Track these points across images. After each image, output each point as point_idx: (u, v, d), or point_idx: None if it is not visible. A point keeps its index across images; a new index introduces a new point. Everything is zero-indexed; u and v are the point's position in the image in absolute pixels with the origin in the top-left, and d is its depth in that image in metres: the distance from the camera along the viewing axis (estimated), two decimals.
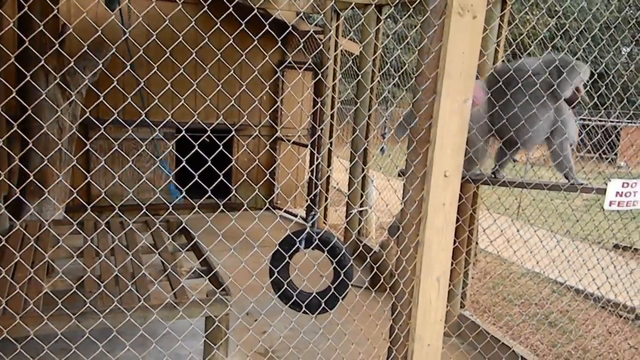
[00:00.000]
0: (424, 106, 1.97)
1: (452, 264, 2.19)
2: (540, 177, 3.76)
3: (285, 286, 3.45)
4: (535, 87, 2.96)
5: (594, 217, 4.07)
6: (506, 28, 4.01)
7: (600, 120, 13.97)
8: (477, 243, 4.91)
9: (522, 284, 5.64)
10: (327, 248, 3.39)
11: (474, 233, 4.35)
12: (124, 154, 6.97)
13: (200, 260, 3.64)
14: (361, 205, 6.35)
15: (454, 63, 1.88)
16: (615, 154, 16.66)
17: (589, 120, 14.00)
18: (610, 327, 4.85)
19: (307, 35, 5.93)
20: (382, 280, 4.38)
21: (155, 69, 2.04)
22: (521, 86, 2.96)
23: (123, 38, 5.43)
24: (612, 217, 4.49)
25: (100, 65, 4.76)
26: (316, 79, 6.61)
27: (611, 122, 13.02)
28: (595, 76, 3.20)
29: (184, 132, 1.97)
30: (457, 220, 2.19)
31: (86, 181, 6.32)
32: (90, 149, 6.58)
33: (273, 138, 7.76)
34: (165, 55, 2.12)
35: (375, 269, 4.08)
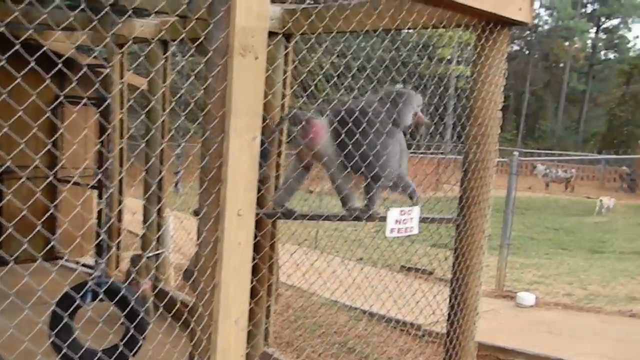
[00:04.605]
0: (213, 145, 1.91)
1: (251, 303, 2.13)
2: (334, 206, 3.93)
3: (65, 348, 3.03)
4: (377, 123, 3.13)
5: (379, 243, 4.39)
6: (290, 67, 4.17)
7: None
8: (278, 278, 4.95)
9: (322, 313, 5.82)
10: (116, 299, 3.09)
11: (273, 269, 4.37)
12: None
13: None
14: (157, 248, 6.00)
15: (240, 102, 1.87)
16: None
17: None
18: (402, 347, 5.22)
19: (83, 70, 5.49)
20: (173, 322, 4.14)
21: None
22: (367, 124, 3.08)
23: None
24: (396, 241, 4.88)
25: None
26: (97, 115, 6.14)
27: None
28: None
29: None
30: (254, 258, 2.15)
31: None
32: None
33: (48, 180, 6.96)
34: None
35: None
